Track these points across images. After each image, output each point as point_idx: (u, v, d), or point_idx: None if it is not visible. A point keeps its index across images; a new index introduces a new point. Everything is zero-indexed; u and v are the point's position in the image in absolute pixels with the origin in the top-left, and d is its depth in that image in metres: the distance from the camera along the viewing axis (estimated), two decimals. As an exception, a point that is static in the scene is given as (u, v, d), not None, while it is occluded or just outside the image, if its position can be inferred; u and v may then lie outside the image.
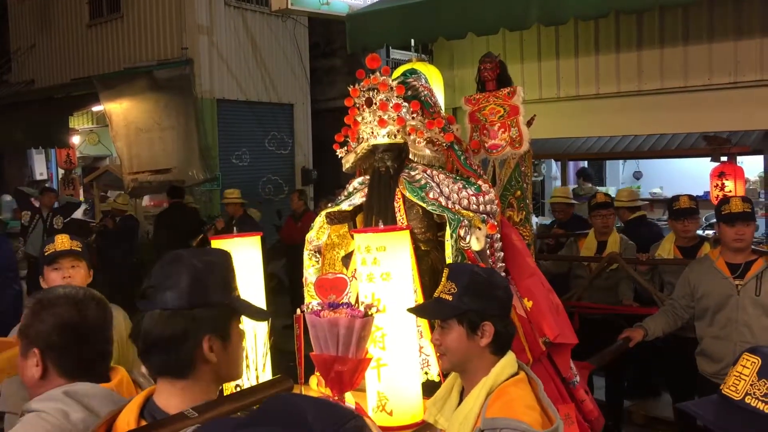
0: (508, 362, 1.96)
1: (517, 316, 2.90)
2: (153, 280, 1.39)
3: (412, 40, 5.36)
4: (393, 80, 2.85)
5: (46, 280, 2.82)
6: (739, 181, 5.77)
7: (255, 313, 1.52)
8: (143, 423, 1.34)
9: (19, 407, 1.65)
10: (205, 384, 1.41)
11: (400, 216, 2.81)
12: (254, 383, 2.49)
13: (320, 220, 3.01)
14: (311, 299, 2.85)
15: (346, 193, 3.04)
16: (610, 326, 4.53)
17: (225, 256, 1.48)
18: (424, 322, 2.62)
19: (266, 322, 2.69)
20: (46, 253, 2.84)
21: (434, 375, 2.63)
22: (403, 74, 3.09)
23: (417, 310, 2.22)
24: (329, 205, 3.06)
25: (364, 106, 2.85)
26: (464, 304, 1.95)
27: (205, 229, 7.60)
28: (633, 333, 3.82)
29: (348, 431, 0.82)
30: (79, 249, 2.87)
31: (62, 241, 2.87)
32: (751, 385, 1.46)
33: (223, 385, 1.69)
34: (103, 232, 8.34)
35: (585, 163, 10.47)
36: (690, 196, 4.67)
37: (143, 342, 1.37)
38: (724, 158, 6.59)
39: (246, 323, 2.52)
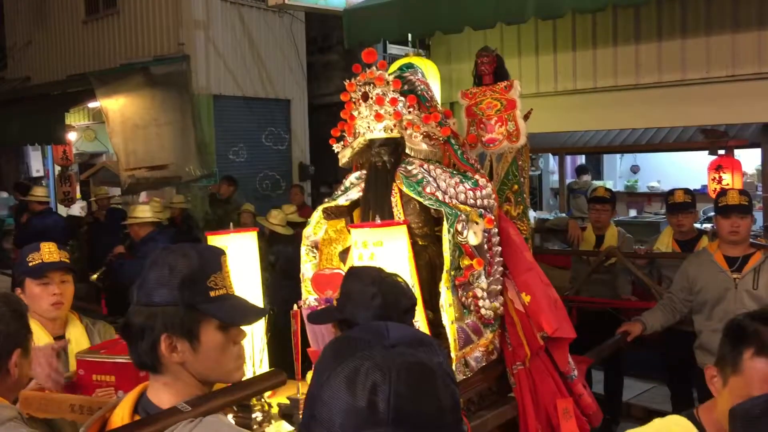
0: None
1: (515, 311, 2.90)
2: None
3: (409, 35, 5.35)
4: (389, 74, 2.84)
5: (27, 295, 2.49)
6: (736, 175, 5.78)
7: (233, 315, 1.42)
8: (137, 418, 1.33)
9: None
10: (187, 382, 1.38)
11: (397, 211, 2.80)
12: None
13: (317, 215, 3.01)
14: (308, 295, 2.85)
15: (342, 188, 3.03)
16: (609, 320, 4.53)
17: (201, 254, 1.42)
18: (421, 319, 2.61)
19: (264, 318, 2.69)
20: (30, 264, 2.48)
21: (432, 370, 2.62)
22: (400, 68, 3.07)
23: (309, 316, 2.20)
24: (326, 200, 3.05)
25: (361, 101, 2.84)
26: (342, 312, 1.93)
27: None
28: (631, 327, 3.82)
29: (412, 339, 0.92)
30: (68, 260, 2.59)
31: (50, 251, 2.52)
32: None
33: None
34: (92, 224, 8.35)
35: (583, 159, 10.46)
36: (686, 190, 4.66)
37: (120, 332, 1.42)
38: (721, 151, 6.60)
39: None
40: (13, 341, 1.80)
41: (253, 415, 2.45)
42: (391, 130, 2.80)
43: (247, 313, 1.47)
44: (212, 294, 1.39)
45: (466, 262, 2.67)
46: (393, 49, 9.87)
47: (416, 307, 1.95)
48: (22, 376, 1.86)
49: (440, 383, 0.88)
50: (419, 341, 0.93)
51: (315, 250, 3.03)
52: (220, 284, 1.41)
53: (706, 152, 6.93)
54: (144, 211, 5.85)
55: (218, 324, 1.39)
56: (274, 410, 2.59)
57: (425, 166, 2.83)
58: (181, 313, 1.35)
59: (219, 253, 1.45)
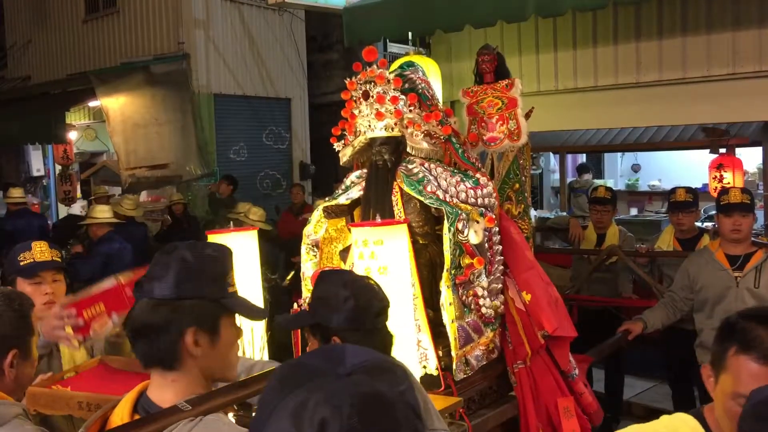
0: None
1: (515, 309, 2.89)
2: (148, 270, 1.40)
3: (410, 33, 5.34)
4: (390, 73, 2.84)
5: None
6: (737, 173, 5.76)
7: (249, 311, 1.50)
8: (137, 417, 1.32)
9: None
10: (195, 378, 1.39)
11: (398, 209, 2.80)
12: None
13: (318, 213, 3.00)
14: (308, 293, 2.84)
15: (343, 187, 3.02)
16: (609, 319, 4.53)
17: (221, 252, 1.46)
18: (422, 317, 2.61)
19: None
20: (22, 263, 2.47)
21: (432, 369, 2.63)
22: (401, 67, 3.07)
23: (282, 321, 2.16)
24: (326, 198, 3.05)
25: (361, 99, 2.84)
26: (315, 316, 1.89)
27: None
28: (632, 326, 3.82)
29: (372, 366, 0.84)
30: (60, 259, 2.58)
31: (41, 250, 2.50)
32: None
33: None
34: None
35: (584, 158, 10.45)
36: (687, 189, 4.65)
37: (130, 329, 1.38)
38: (722, 150, 6.58)
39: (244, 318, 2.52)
40: (8, 342, 1.78)
41: (254, 414, 2.44)
42: (392, 129, 2.80)
43: (254, 310, 1.53)
44: (230, 290, 1.44)
45: (466, 260, 2.67)
46: (393, 47, 9.86)
47: (389, 309, 1.91)
48: (22, 377, 1.84)
49: (401, 417, 0.79)
50: (380, 368, 0.84)
51: (315, 249, 3.03)
52: (233, 282, 1.47)
53: (707, 151, 6.91)
54: (102, 211, 5.94)
55: (232, 320, 1.44)
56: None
57: (426, 164, 2.83)
58: (203, 306, 1.38)
59: (231, 252, 1.50)
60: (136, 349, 1.40)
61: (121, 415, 1.33)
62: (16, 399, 1.81)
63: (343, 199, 2.95)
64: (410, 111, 2.80)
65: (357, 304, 1.83)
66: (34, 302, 1.97)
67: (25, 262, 2.48)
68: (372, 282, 1.95)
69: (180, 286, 1.36)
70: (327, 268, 2.81)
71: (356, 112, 2.88)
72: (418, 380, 2.40)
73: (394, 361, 0.89)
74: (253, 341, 2.58)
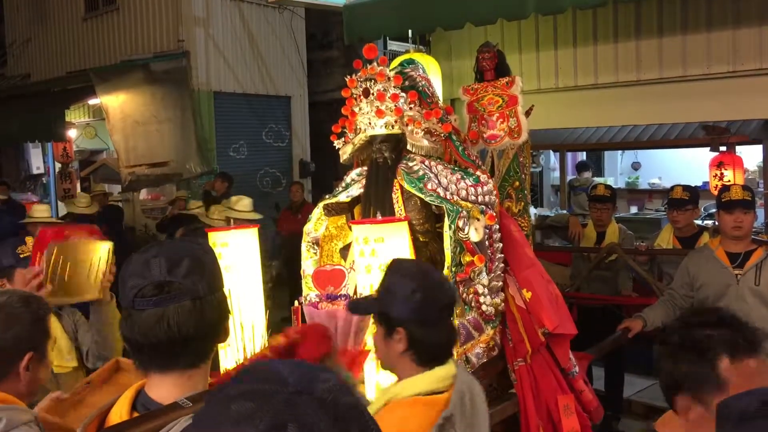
0: (425, 379, 1.80)
1: (516, 307, 2.89)
2: (152, 276, 1.26)
3: (410, 31, 5.34)
4: (390, 70, 2.83)
5: (14, 284, 2.52)
6: (738, 171, 5.76)
7: None
8: (135, 415, 1.31)
9: None
10: (207, 373, 1.36)
11: (399, 207, 2.80)
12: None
13: (318, 211, 3.00)
14: (309, 291, 2.85)
15: (343, 185, 3.02)
16: (609, 316, 4.53)
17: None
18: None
19: (264, 314, 2.69)
20: (21, 256, 2.59)
21: (433, 366, 2.62)
22: (401, 64, 3.07)
23: (349, 303, 2.14)
24: (326, 196, 3.05)
25: (362, 97, 2.84)
26: (381, 305, 1.87)
27: None
28: (632, 323, 3.82)
29: (321, 385, 0.78)
30: None
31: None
32: None
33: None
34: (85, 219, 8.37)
35: (584, 156, 10.45)
36: (685, 187, 4.66)
37: (173, 339, 1.26)
38: (723, 148, 6.57)
39: (244, 316, 2.52)
40: (26, 344, 1.81)
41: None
42: (392, 127, 2.79)
43: None
44: None
45: (467, 258, 2.67)
46: (393, 45, 9.83)
47: (455, 304, 1.92)
48: (35, 380, 1.85)
49: (371, 423, 0.75)
50: (318, 378, 0.77)
51: (316, 247, 3.03)
52: None
53: (708, 149, 6.91)
54: (40, 211, 5.96)
55: None
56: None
57: (426, 162, 2.83)
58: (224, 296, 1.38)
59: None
60: (180, 355, 1.29)
61: (119, 413, 1.31)
62: (27, 402, 1.81)
63: (343, 197, 2.95)
64: (410, 108, 2.80)
65: (425, 297, 1.83)
66: (50, 308, 2.01)
67: (25, 254, 2.57)
68: (440, 275, 1.94)
69: (213, 280, 1.33)
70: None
71: (356, 109, 2.88)
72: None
73: (332, 366, 0.85)
74: (253, 339, 2.58)
